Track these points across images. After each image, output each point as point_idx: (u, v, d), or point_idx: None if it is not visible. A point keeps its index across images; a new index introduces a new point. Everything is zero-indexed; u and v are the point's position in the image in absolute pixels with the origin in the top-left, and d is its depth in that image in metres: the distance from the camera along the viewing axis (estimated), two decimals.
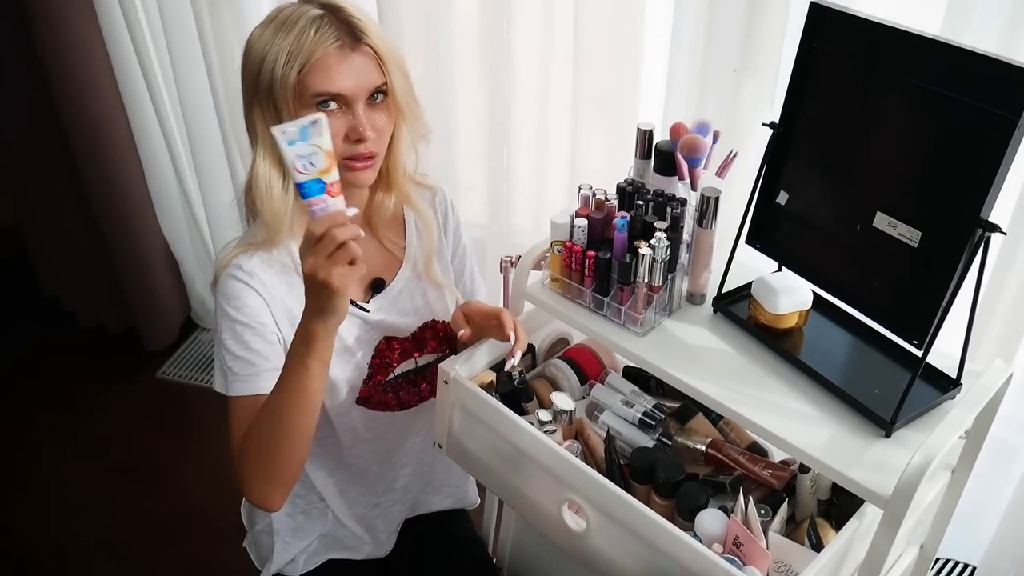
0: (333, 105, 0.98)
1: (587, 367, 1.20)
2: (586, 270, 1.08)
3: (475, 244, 1.78)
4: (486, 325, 1.10)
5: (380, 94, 1.01)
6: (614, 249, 1.07)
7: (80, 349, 2.53)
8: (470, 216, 1.76)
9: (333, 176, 0.81)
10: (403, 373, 1.21)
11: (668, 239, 1.02)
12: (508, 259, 1.59)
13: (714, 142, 1.15)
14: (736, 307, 1.08)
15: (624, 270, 1.04)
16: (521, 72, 1.49)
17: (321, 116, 0.82)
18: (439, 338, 1.23)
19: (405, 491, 1.32)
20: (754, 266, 1.11)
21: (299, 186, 0.80)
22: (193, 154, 2.03)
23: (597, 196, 1.13)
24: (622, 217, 1.05)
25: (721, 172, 1.15)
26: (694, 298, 1.12)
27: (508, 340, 1.05)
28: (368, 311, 1.14)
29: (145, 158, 2.11)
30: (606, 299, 1.08)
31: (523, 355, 1.09)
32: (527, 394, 1.12)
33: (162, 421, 2.21)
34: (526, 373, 1.16)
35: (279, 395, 0.96)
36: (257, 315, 1.04)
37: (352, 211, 0.84)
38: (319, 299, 0.87)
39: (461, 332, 1.10)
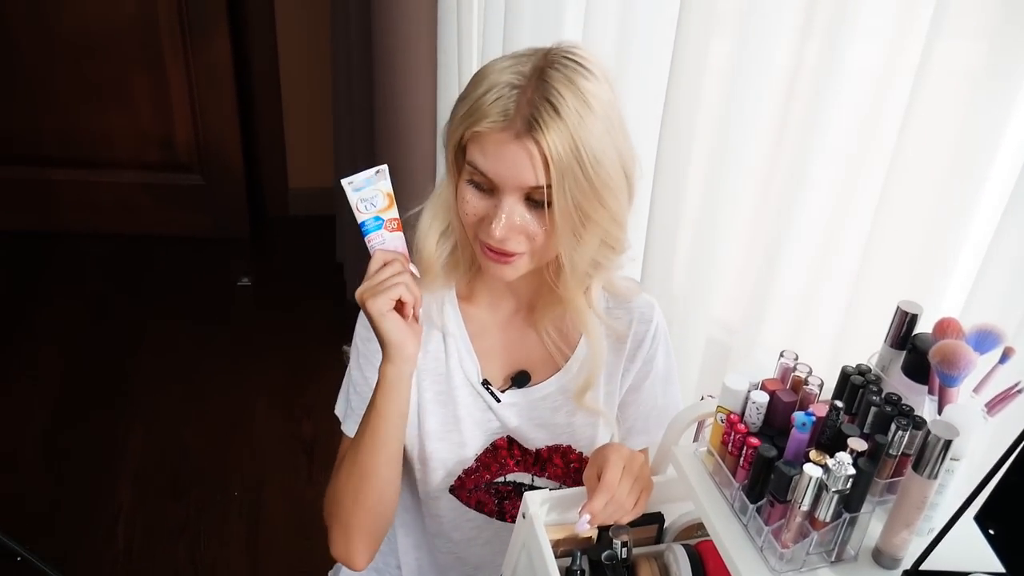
0: (484, 187, 0.88)
1: (715, 573, 0.96)
2: (742, 459, 0.86)
3: (717, 348, 1.57)
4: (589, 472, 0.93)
5: (539, 200, 0.87)
6: (786, 450, 0.83)
7: (337, 317, 2.76)
8: (722, 315, 1.54)
9: (392, 214, 0.91)
10: (516, 483, 1.08)
11: (857, 467, 0.77)
12: (711, 397, 1.36)
13: (1001, 362, 0.86)
14: None
15: (781, 482, 0.80)
16: (821, 163, 1.26)
17: (383, 167, 0.91)
18: (568, 470, 1.08)
19: None
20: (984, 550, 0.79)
21: (360, 226, 0.89)
22: None
23: (798, 372, 0.89)
24: (807, 413, 0.82)
25: (992, 408, 0.85)
26: (882, 558, 0.83)
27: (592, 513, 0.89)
28: (499, 400, 1.04)
29: (440, 170, 2.21)
30: (752, 506, 0.84)
31: (609, 533, 0.90)
32: (616, 573, 0.92)
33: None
34: (632, 547, 0.96)
35: (356, 436, 0.96)
36: None
37: (398, 238, 0.90)
38: (376, 332, 0.89)
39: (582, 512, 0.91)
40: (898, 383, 0.92)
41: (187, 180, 2.95)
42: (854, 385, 0.89)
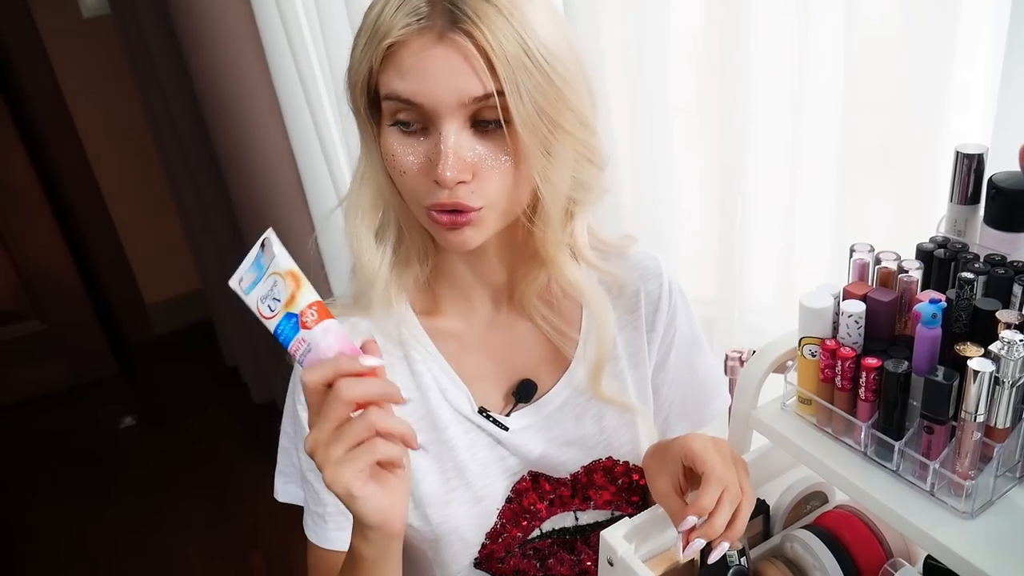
0: (414, 125, 0.69)
1: (858, 547, 0.78)
2: (862, 389, 0.69)
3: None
4: (689, 475, 0.74)
5: (491, 119, 0.69)
6: (915, 357, 0.67)
7: (247, 426, 2.48)
8: (690, 287, 1.34)
9: (305, 298, 0.62)
10: (555, 531, 0.87)
11: None
12: (737, 355, 1.19)
13: None
14: None
15: (938, 396, 0.64)
16: (761, 94, 1.13)
17: (268, 232, 0.64)
18: (618, 486, 0.87)
19: None
20: None
21: (275, 338, 0.63)
22: None
23: (884, 264, 0.73)
24: (933, 301, 0.66)
25: None
26: None
27: (702, 515, 0.69)
28: (507, 428, 0.82)
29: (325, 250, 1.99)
30: (898, 444, 0.67)
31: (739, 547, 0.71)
32: None
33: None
34: (749, 552, 0.77)
35: None
36: None
37: (328, 331, 0.62)
38: (347, 507, 0.63)
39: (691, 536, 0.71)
40: (988, 239, 0.77)
41: (23, 330, 2.60)
42: (943, 259, 0.74)
